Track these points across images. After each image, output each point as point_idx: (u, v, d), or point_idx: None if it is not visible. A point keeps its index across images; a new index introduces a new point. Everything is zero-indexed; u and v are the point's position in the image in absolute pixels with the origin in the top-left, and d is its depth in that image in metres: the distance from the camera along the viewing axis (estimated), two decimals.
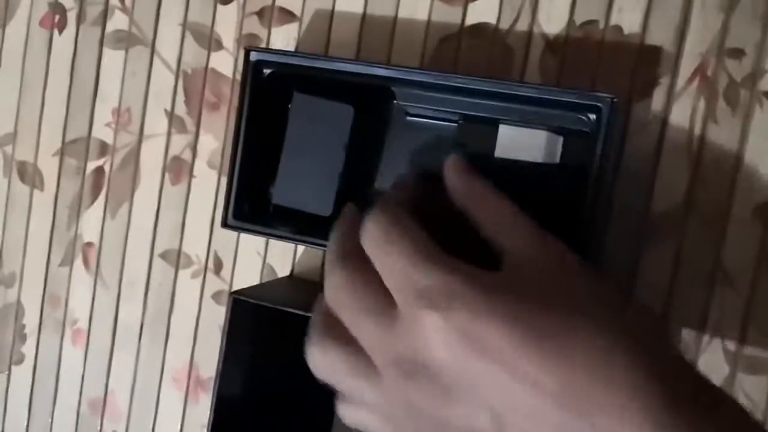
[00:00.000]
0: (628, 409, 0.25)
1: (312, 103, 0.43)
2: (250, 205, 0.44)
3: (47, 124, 0.53)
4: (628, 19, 0.42)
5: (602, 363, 0.26)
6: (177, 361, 0.51)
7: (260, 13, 0.48)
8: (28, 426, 0.55)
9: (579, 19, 0.43)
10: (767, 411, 0.41)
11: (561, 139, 0.41)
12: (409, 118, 0.44)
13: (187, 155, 0.50)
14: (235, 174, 0.43)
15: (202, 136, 0.49)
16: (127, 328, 0.51)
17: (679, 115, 0.41)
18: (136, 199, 0.51)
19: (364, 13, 0.46)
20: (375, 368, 0.31)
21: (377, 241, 0.32)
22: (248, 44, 0.48)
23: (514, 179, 0.42)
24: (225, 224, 0.44)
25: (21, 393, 0.55)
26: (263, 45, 0.48)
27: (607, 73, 0.42)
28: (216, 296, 0.50)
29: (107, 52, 0.51)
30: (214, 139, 0.49)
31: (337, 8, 0.47)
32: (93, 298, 0.52)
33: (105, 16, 0.51)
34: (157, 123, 0.50)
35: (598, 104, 0.38)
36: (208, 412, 0.43)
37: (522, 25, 0.44)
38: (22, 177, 0.53)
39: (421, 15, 0.45)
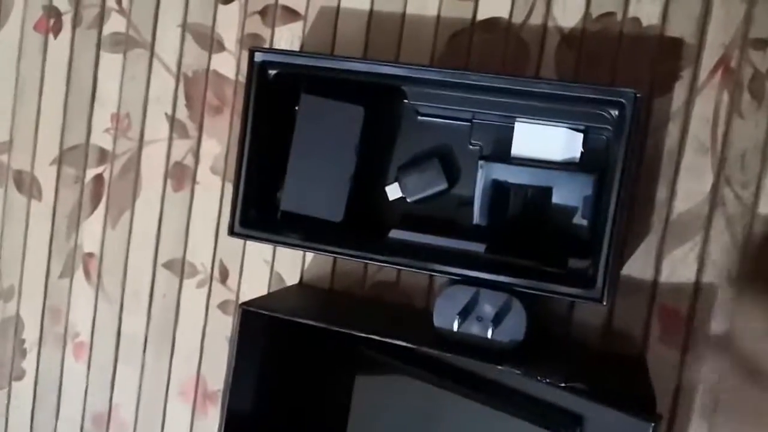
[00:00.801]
0: None
1: (320, 104, 0.42)
2: (258, 212, 0.43)
3: (44, 132, 0.51)
4: (646, 10, 0.40)
5: None
6: (183, 374, 0.49)
7: (263, 12, 0.46)
8: None
9: (596, 11, 0.41)
10: None
11: (581, 136, 0.40)
12: (420, 117, 0.43)
13: (189, 161, 0.48)
14: (242, 180, 0.42)
15: (204, 141, 0.48)
16: (131, 341, 0.50)
17: (702, 109, 0.40)
18: (138, 207, 0.49)
19: (371, 10, 0.44)
20: None
21: None
22: (251, 44, 0.46)
23: (532, 178, 0.40)
24: (231, 232, 0.42)
25: (22, 409, 0.53)
26: (266, 45, 0.46)
27: (625, 66, 0.41)
28: (222, 306, 0.48)
29: (105, 55, 0.49)
30: (218, 144, 0.48)
31: (342, 5, 0.45)
32: (95, 311, 0.50)
33: (101, 18, 0.49)
34: (157, 128, 0.49)
35: (621, 100, 0.36)
36: (217, 426, 0.41)
37: (536, 19, 0.42)
38: (19, 187, 0.52)
39: (431, 10, 0.44)
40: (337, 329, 0.39)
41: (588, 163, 0.39)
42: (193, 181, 0.48)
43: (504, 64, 0.43)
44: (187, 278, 0.49)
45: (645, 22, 0.40)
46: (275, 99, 0.42)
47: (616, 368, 0.40)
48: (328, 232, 0.41)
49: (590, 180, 0.39)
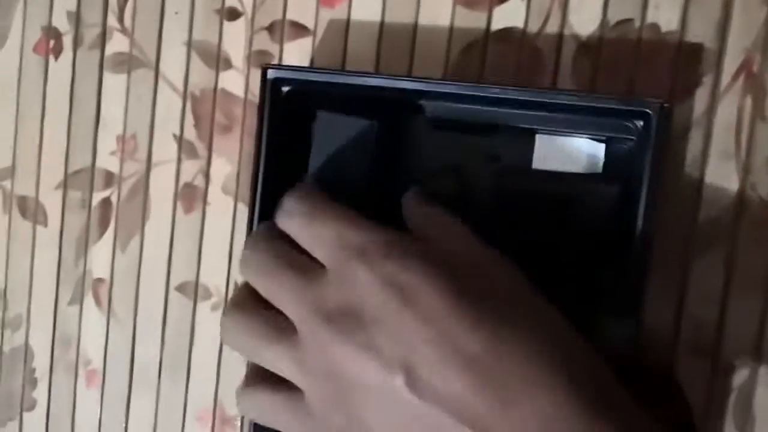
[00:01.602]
0: (537, 385, 0.27)
1: (336, 121, 0.41)
2: None
3: (47, 156, 0.50)
4: (665, 16, 0.40)
5: (527, 343, 0.28)
6: (200, 400, 0.48)
7: (270, 28, 0.45)
8: None
9: (613, 19, 0.40)
10: None
11: (603, 147, 0.39)
12: (436, 132, 0.42)
13: (199, 181, 0.47)
14: (257, 202, 0.41)
15: (214, 161, 0.47)
16: (145, 367, 0.49)
17: (725, 116, 0.39)
18: (148, 230, 0.48)
19: (382, 22, 0.44)
20: (291, 324, 0.30)
21: (303, 216, 0.33)
22: (259, 61, 0.45)
23: (555, 191, 0.40)
24: None
25: None
26: (275, 61, 0.45)
27: (645, 74, 0.40)
28: None
29: (108, 76, 0.48)
30: (228, 163, 0.47)
31: (352, 17, 0.44)
32: (107, 337, 0.49)
33: (103, 38, 0.48)
34: (165, 149, 0.47)
35: (647, 110, 0.35)
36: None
37: (552, 27, 0.41)
38: (24, 213, 0.50)
39: (443, 21, 0.43)
40: None
41: (611, 176, 0.39)
42: (204, 201, 0.47)
43: (519, 74, 0.42)
44: (201, 301, 0.48)
45: (664, 28, 0.40)
46: (288, 116, 0.41)
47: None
48: None
49: (614, 193, 0.38)
